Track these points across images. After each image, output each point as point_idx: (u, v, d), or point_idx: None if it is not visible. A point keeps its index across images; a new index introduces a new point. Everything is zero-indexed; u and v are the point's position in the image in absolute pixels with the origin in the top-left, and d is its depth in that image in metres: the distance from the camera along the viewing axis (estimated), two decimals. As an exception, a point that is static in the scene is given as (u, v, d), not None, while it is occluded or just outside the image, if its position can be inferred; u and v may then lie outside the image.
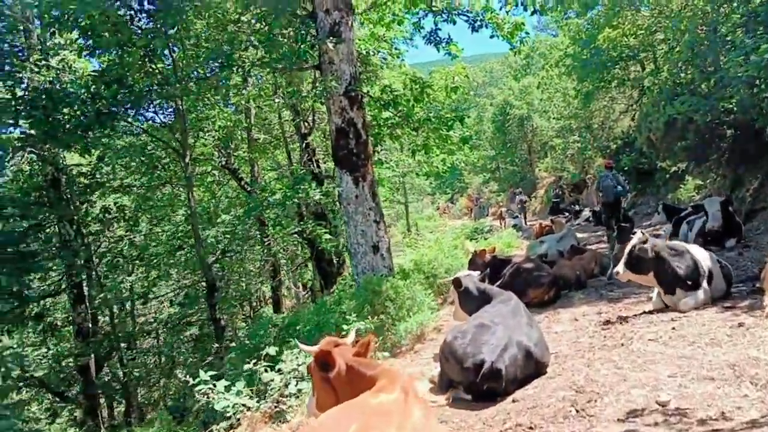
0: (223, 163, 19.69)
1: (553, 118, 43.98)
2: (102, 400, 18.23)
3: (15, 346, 18.67)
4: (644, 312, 7.86)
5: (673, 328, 6.75)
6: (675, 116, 16.48)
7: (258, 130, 20.19)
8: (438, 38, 14.27)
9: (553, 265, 11.19)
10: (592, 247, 16.55)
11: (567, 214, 28.85)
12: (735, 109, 15.32)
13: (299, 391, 6.25)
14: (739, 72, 12.26)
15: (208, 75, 11.09)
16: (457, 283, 7.31)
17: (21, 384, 16.97)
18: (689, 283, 7.72)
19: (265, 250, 18.46)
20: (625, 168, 28.56)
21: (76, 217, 16.29)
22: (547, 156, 46.19)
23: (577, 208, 30.84)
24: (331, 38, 10.19)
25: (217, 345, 13.13)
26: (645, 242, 7.76)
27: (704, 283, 7.82)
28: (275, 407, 6.20)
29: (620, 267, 7.75)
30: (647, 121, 18.58)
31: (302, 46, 10.26)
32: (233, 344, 12.40)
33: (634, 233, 13.21)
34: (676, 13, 20.25)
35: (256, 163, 19.98)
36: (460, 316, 7.50)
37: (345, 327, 7.04)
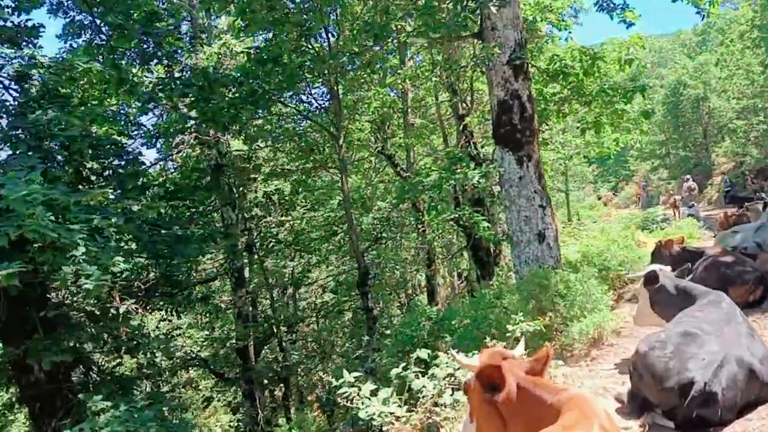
0: (380, 148, 19.23)
1: (734, 98, 40.11)
2: (264, 382, 18.38)
3: (184, 326, 19.31)
4: None
5: None
6: None
7: (414, 114, 19.56)
8: (612, 3, 12.79)
9: (754, 260, 9.52)
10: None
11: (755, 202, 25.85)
12: None
13: (455, 401, 5.35)
14: None
15: (362, 50, 10.41)
16: (651, 278, 6.07)
17: (187, 363, 17.44)
18: None
19: (420, 238, 17.76)
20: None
21: (237, 202, 16.39)
22: (725, 140, 42.24)
23: (764, 196, 27.61)
24: (493, 1, 9.14)
25: (367, 338, 12.54)
26: None
27: None
28: (428, 418, 5.35)
29: None
30: None
31: (462, 11, 9.27)
32: (388, 331, 11.73)
33: None
34: None
35: (412, 149, 19.36)
36: (648, 320, 6.28)
37: (510, 327, 6.01)
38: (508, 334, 5.90)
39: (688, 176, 35.45)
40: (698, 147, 46.09)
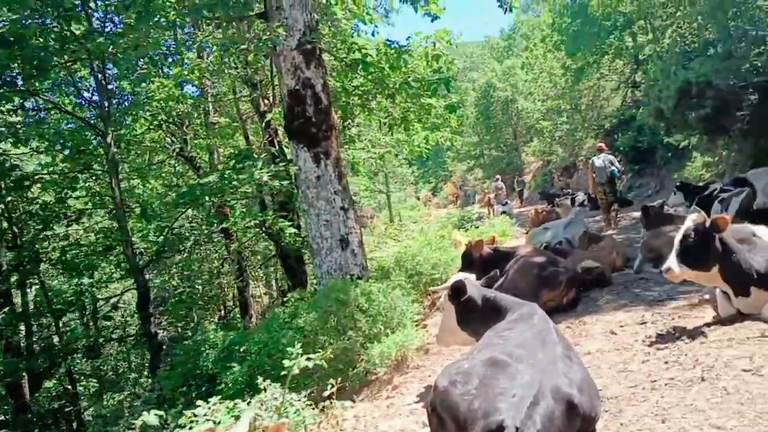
0: (178, 150, 17.39)
1: (539, 100, 42.00)
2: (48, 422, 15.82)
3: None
4: (713, 322, 5.62)
5: (774, 351, 4.55)
6: (690, 81, 14.38)
7: (217, 112, 17.94)
8: (414, -7, 12.05)
9: (565, 257, 9.01)
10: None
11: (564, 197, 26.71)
12: (764, 68, 13.25)
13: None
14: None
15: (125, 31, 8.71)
16: (457, 290, 5.05)
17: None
18: (770, 279, 5.54)
19: (223, 247, 16.18)
20: (621, 148, 26.53)
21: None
22: (533, 140, 44.15)
23: (568, 191, 28.67)
24: (275, -27, 7.88)
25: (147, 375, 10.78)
26: (704, 224, 5.44)
27: (790, 278, 5.65)
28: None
29: (672, 262, 5.36)
30: (655, 89, 16.39)
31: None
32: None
33: (667, 216, 11.19)
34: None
35: (215, 150, 17.70)
36: (454, 338, 5.31)
37: (286, 363, 4.70)
38: (283, 372, 4.61)
39: (498, 176, 36.51)
40: (509, 147, 47.89)
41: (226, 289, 21.33)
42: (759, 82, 13.68)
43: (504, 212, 27.59)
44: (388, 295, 7.07)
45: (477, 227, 19.79)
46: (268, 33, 8.07)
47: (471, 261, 8.59)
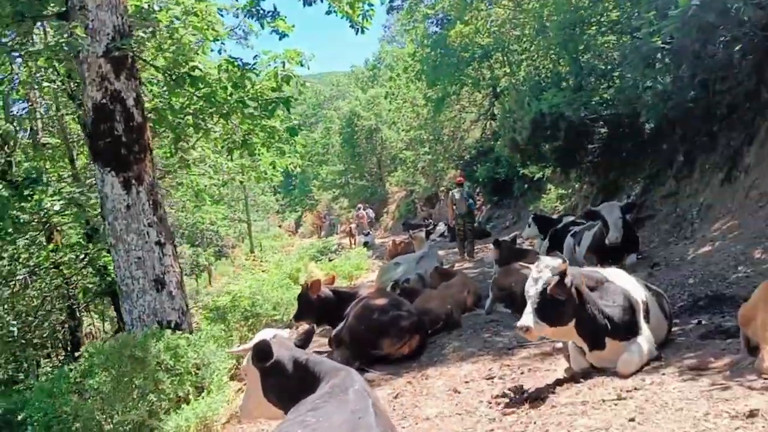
0: (-1, 173, 15.35)
1: (403, 130, 41.99)
2: None
3: None
4: (566, 379, 4.91)
5: (633, 419, 3.82)
6: (543, 112, 14.24)
7: (48, 132, 16.07)
8: (260, 10, 11.09)
9: (413, 297, 8.22)
10: (455, 267, 13.92)
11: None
12: (613, 101, 13.26)
13: None
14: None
15: None
16: (261, 352, 4.00)
17: None
18: (624, 329, 4.90)
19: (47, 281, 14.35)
20: (480, 179, 26.61)
21: None
22: (397, 169, 44.10)
23: (430, 222, 28.46)
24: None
25: None
26: (564, 273, 4.69)
27: (644, 326, 5.05)
28: None
29: (528, 320, 4.52)
30: (510, 120, 16.24)
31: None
32: None
33: (520, 251, 10.70)
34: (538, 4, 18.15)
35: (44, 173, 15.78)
36: (259, 410, 4.26)
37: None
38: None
39: (360, 205, 35.99)
40: (374, 177, 47.64)
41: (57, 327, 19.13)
42: (608, 115, 13.72)
43: (366, 243, 26.96)
44: (200, 349, 5.94)
45: (331, 260, 18.87)
46: (65, 35, 6.79)
47: (308, 304, 7.62)
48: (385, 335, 6.43)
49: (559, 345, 5.62)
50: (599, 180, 16.03)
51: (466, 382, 5.37)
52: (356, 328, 6.66)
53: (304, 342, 4.23)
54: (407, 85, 38.05)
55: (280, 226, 61.77)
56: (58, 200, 7.84)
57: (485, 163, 25.95)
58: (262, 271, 24.38)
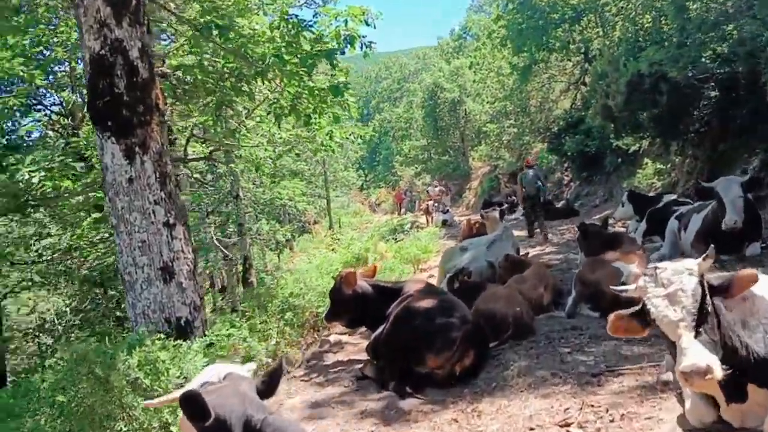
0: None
1: (487, 102, 39.96)
2: None
3: None
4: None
5: None
6: (642, 73, 12.28)
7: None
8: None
9: (476, 293, 6.67)
10: (532, 253, 12.21)
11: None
12: (728, 57, 11.16)
13: None
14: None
15: None
16: (191, 407, 2.58)
17: None
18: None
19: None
20: (569, 153, 24.48)
21: None
22: (481, 144, 42.12)
23: (513, 199, 26.52)
24: None
25: None
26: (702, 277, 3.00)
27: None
28: None
29: (702, 356, 2.84)
30: (603, 85, 14.26)
31: None
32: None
33: (612, 237, 8.94)
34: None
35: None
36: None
37: None
38: None
39: (435, 182, 34.37)
40: (456, 151, 45.84)
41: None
42: (720, 74, 11.61)
43: (444, 221, 25.38)
44: (187, 363, 4.62)
45: (397, 241, 17.42)
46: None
47: (341, 301, 6.20)
48: (430, 348, 4.95)
49: (666, 376, 4.00)
50: (706, 152, 13.88)
51: (531, 429, 3.84)
52: (394, 336, 5.22)
53: (267, 386, 2.79)
54: (492, 53, 36.04)
55: (362, 203, 60.82)
56: (36, 170, 6.67)
57: (574, 136, 23.78)
58: (331, 250, 23.35)
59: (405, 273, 11.42)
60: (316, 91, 9.23)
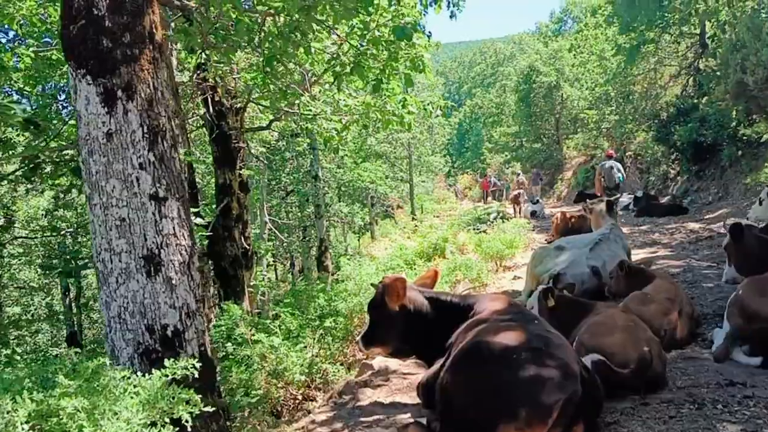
0: None
1: (587, 87, 37.25)
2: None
3: None
4: None
5: None
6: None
7: None
8: None
9: (578, 315, 4.77)
10: (637, 256, 10.07)
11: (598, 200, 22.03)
12: None
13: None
14: None
15: None
16: None
17: None
18: None
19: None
20: (679, 143, 21.79)
21: None
22: (577, 132, 39.36)
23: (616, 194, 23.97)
24: None
25: None
26: None
27: None
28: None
29: None
30: (737, 56, 11.85)
31: None
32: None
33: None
34: None
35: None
36: None
37: None
38: None
39: (519, 171, 32.02)
40: (550, 139, 43.17)
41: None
42: None
43: (534, 212, 23.25)
44: (106, 421, 2.90)
45: (479, 232, 15.45)
46: None
47: (384, 318, 4.38)
48: (512, 418, 3.10)
49: None
50: None
51: None
52: (455, 388, 3.39)
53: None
54: (595, 35, 33.42)
55: (448, 189, 58.88)
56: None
57: (686, 124, 21.07)
58: (407, 238, 21.56)
59: (483, 275, 9.49)
60: (383, 42, 7.47)
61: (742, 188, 18.24)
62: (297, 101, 9.70)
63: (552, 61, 41.10)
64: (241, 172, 13.34)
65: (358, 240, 37.80)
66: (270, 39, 7.59)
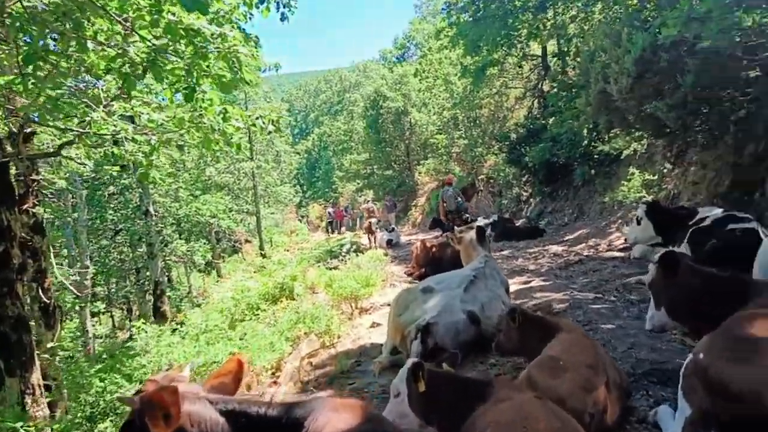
0: None
1: (434, 112, 36.90)
2: None
3: None
4: None
5: None
6: (659, 44, 9.04)
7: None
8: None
9: (469, 405, 3.13)
10: (520, 285, 8.81)
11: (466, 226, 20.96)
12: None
13: None
14: None
15: None
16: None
17: None
18: None
19: None
20: (530, 164, 21.29)
21: None
22: (427, 157, 38.92)
23: (467, 217, 23.09)
24: None
25: None
26: None
27: None
28: None
29: None
30: (596, 66, 10.98)
31: None
32: None
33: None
34: None
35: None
36: None
37: None
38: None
39: (368, 199, 31.05)
40: (401, 165, 42.53)
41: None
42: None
43: (390, 241, 21.84)
44: None
45: (333, 267, 13.72)
46: None
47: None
48: None
49: None
50: (731, 155, 10.66)
51: None
52: None
53: None
54: (439, 59, 33.08)
55: (300, 220, 57.06)
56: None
57: (538, 144, 20.57)
58: (252, 276, 19.40)
59: (333, 325, 7.69)
60: (183, 31, 5.62)
61: (597, 207, 17.77)
62: (88, 118, 7.57)
63: (398, 86, 40.59)
64: (35, 210, 10.88)
65: (203, 280, 35.15)
66: (20, 25, 5.51)
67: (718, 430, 2.93)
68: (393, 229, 23.59)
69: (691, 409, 3.04)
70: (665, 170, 14.74)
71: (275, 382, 6.83)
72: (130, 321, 29.21)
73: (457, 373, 3.68)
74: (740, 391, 2.78)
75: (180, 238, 28.65)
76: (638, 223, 8.81)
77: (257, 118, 8.27)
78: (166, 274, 31.94)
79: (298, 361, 6.68)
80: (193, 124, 8.10)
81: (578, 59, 17.22)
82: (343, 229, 39.80)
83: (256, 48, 8.60)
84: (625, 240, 10.46)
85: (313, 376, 6.39)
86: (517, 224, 20.01)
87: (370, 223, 23.41)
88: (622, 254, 10.96)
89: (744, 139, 10.15)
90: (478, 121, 30.27)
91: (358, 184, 48.51)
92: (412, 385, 3.47)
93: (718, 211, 7.78)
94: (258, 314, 11.21)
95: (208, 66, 6.39)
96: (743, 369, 2.85)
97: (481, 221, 20.02)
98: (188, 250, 26.65)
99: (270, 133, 8.57)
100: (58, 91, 6.78)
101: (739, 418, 2.81)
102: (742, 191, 10.12)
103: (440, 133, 34.82)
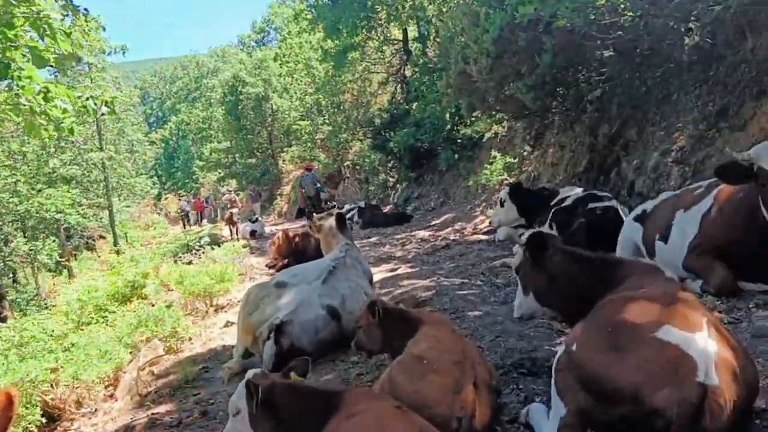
0: None
1: (297, 98, 36.13)
2: None
3: None
4: None
5: None
6: (516, 23, 8.86)
7: None
8: None
9: (323, 414, 2.62)
10: (387, 273, 8.44)
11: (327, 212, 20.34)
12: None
13: None
14: None
15: None
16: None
17: None
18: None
19: None
20: (396, 150, 21.11)
21: None
22: (291, 145, 38.09)
23: (334, 204, 22.54)
24: None
25: None
26: None
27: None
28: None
29: None
30: (457, 47, 10.73)
31: None
32: None
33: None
34: None
35: None
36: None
37: None
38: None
39: (230, 189, 30.14)
40: (264, 153, 41.43)
41: None
42: (627, 23, 8.40)
43: (254, 232, 20.94)
44: None
45: (188, 262, 12.79)
46: None
47: None
48: None
49: None
50: (587, 136, 10.76)
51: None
52: None
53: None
54: (299, 43, 32.33)
55: (159, 213, 54.53)
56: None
57: (402, 129, 20.39)
58: (104, 274, 17.94)
59: (182, 327, 6.93)
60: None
61: (462, 191, 17.82)
62: None
63: (258, 71, 39.40)
64: None
65: (53, 278, 32.55)
66: None
67: (596, 430, 2.57)
68: (257, 220, 22.69)
69: (565, 409, 2.66)
70: (525, 153, 14.92)
71: (111, 396, 6.05)
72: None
73: (304, 384, 3.12)
74: (619, 386, 2.43)
75: (24, 236, 26.35)
76: (502, 205, 8.65)
77: (87, 99, 7.32)
78: (10, 275, 29.36)
79: (137, 371, 5.90)
80: (9, 106, 7.04)
81: (438, 40, 17.10)
82: (204, 221, 38.28)
83: (87, 22, 7.69)
84: (490, 223, 10.34)
85: (153, 387, 5.65)
86: (384, 210, 19.79)
87: (231, 213, 22.40)
88: (487, 237, 10.86)
89: (599, 120, 10.27)
90: (341, 107, 29.84)
91: (220, 173, 46.77)
92: (251, 403, 2.89)
93: (578, 191, 7.73)
94: (107, 317, 10.19)
95: (15, 35, 5.46)
96: (620, 361, 2.50)
97: (346, 208, 19.64)
98: (31, 249, 24.45)
99: (103, 114, 7.66)
100: None
101: (618, 417, 2.46)
102: (598, 171, 10.24)
103: (303, 120, 34.10)
